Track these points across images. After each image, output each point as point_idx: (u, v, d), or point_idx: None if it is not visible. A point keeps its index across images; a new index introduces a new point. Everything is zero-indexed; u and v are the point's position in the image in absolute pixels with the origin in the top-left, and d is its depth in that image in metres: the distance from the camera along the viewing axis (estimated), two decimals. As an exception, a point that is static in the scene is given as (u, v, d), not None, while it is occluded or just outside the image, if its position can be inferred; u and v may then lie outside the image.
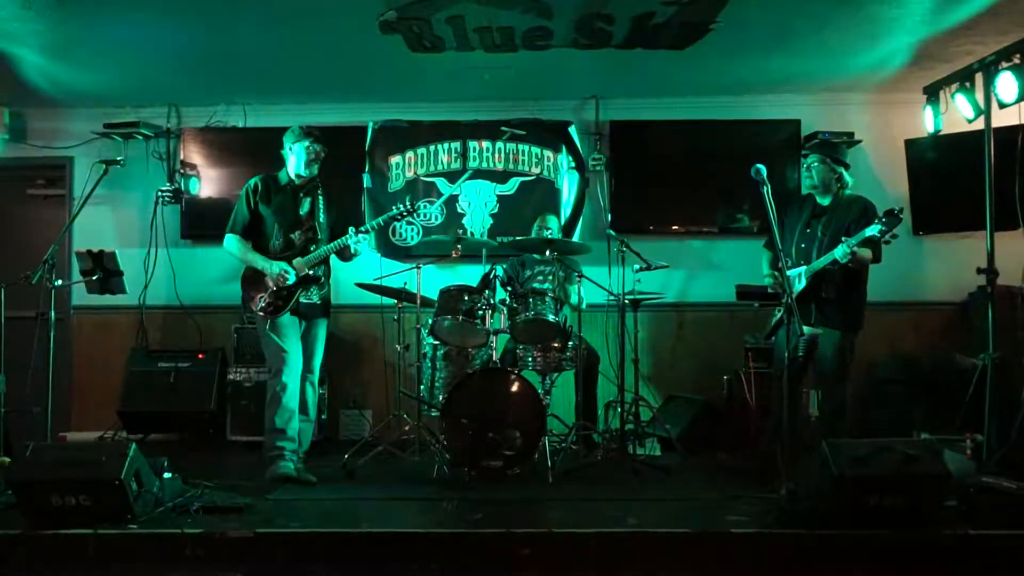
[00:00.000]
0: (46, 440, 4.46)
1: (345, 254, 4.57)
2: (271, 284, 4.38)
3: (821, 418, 4.40)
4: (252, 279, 4.46)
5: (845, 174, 4.48)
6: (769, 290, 4.44)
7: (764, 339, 4.85)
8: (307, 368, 4.54)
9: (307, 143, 4.42)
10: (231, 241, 4.47)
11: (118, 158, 4.72)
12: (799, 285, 4.37)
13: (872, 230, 4.03)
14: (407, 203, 4.57)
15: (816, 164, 4.48)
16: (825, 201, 4.51)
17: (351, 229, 4.47)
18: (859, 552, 3.31)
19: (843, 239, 4.17)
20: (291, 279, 4.35)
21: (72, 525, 3.41)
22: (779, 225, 4.66)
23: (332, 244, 4.47)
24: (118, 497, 3.44)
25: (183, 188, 6.11)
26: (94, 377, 6.10)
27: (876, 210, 4.32)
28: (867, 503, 3.33)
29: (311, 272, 4.44)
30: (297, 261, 4.40)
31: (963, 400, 4.70)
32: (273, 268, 4.35)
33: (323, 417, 5.66)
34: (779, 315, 4.43)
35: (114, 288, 5.23)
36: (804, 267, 4.39)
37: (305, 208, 4.51)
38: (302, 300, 4.45)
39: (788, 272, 4.43)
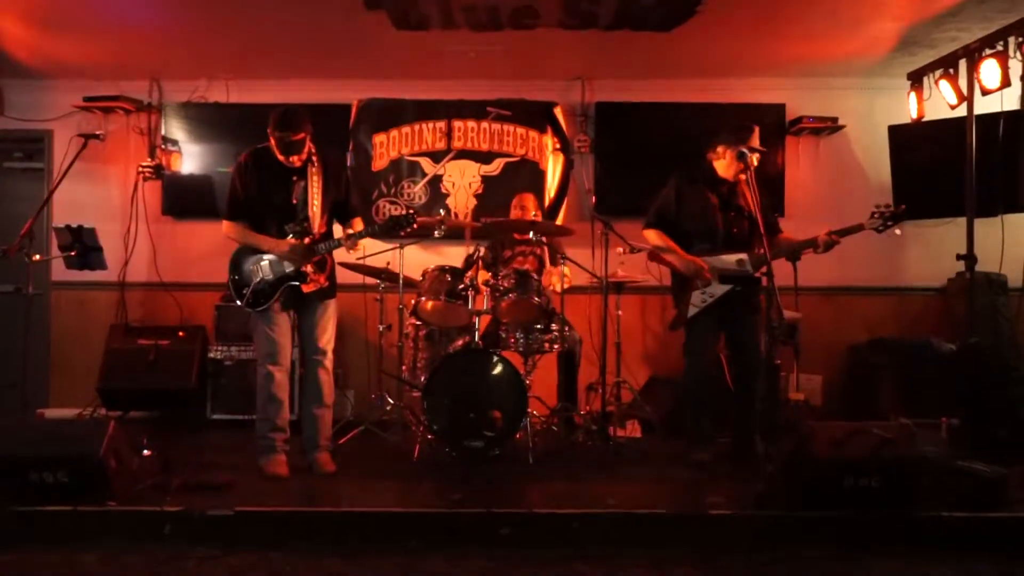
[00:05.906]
0: (23, 416, 4.43)
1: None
2: (261, 273, 4.05)
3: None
4: (243, 266, 4.10)
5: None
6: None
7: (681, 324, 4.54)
8: (314, 349, 4.18)
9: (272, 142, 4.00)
10: (229, 228, 4.13)
11: (98, 132, 4.65)
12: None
13: (874, 226, 4.09)
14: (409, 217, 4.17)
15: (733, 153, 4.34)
16: (731, 184, 4.42)
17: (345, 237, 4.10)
18: (835, 533, 3.35)
19: (829, 231, 4.16)
20: (287, 269, 4.03)
21: (50, 502, 3.38)
22: (676, 202, 4.52)
23: (332, 244, 4.09)
24: (97, 474, 3.41)
25: (164, 164, 6.03)
26: (73, 353, 6.04)
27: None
28: (843, 485, 3.37)
29: (308, 267, 4.07)
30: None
31: (940, 384, 4.76)
32: (282, 248, 4.00)
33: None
34: (707, 301, 4.38)
35: (93, 263, 5.18)
36: (743, 254, 4.33)
37: (299, 195, 4.07)
38: (304, 291, 4.09)
39: (723, 256, 4.38)
